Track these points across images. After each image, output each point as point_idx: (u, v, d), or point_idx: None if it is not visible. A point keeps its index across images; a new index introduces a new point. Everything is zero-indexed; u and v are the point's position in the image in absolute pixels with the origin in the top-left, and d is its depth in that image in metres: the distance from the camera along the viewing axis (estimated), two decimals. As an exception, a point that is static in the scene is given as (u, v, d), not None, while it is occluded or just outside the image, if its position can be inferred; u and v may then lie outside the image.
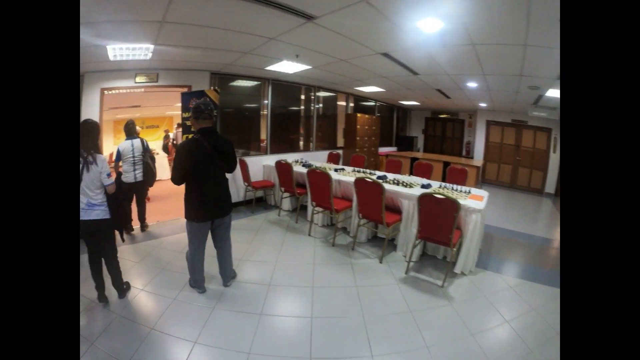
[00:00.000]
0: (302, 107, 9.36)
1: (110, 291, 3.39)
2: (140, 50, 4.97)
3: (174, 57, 5.58)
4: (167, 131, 13.65)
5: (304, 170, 5.99)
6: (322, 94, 9.74)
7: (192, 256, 3.41)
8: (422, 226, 3.90)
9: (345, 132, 10.46)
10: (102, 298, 3.26)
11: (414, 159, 9.91)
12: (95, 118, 5.01)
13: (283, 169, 6.24)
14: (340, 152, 9.84)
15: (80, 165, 2.81)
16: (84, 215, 2.91)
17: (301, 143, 9.58)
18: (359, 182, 4.62)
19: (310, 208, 5.68)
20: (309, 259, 4.54)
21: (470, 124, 13.13)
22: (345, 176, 5.77)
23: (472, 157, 12.03)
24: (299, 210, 6.30)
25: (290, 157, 7.50)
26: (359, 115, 10.14)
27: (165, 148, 12.78)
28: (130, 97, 9.27)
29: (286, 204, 6.79)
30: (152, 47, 4.81)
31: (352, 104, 10.91)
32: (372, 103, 12.29)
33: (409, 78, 7.28)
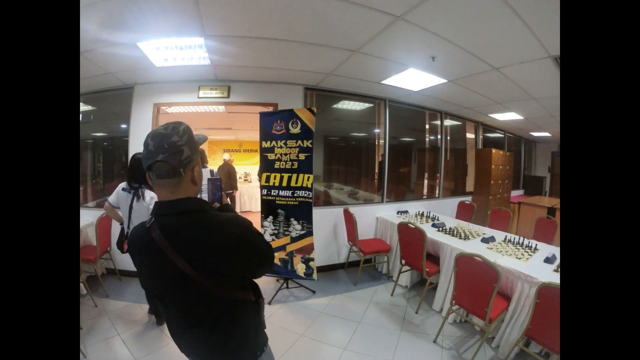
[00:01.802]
0: (427, 139, 7.07)
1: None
2: (191, 51, 3.36)
3: (246, 61, 3.82)
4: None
5: (440, 237, 4.00)
6: (448, 122, 7.29)
7: None
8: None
9: (477, 172, 7.80)
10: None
11: (552, 211, 7.14)
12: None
13: (410, 236, 3.92)
14: (469, 199, 7.33)
15: (132, 195, 2.95)
16: None
17: (424, 186, 7.11)
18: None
19: (441, 295, 3.75)
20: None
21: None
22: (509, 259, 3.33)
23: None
24: (425, 291, 3.82)
25: (411, 207, 5.70)
26: (493, 151, 7.50)
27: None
28: (219, 117, 7.61)
29: (404, 277, 4.44)
30: (202, 41, 3.13)
31: (481, 136, 8.21)
32: (499, 135, 9.47)
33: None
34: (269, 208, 4.01)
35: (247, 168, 12.16)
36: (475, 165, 7.89)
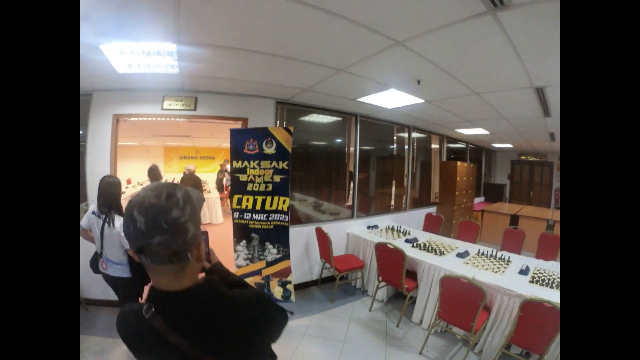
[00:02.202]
0: (394, 153, 7.01)
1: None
2: (158, 58, 2.91)
3: (219, 72, 3.45)
4: (223, 165, 11.65)
5: (416, 254, 4.05)
6: (414, 134, 7.14)
7: None
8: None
9: (442, 184, 7.88)
10: None
11: (514, 217, 7.62)
12: (104, 154, 3.83)
13: (389, 256, 3.89)
14: (434, 209, 7.36)
15: (102, 220, 2.74)
16: (105, 268, 2.81)
17: (392, 198, 7.05)
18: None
19: (419, 308, 3.87)
20: None
21: (559, 167, 10.47)
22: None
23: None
24: (405, 306, 3.85)
25: (380, 222, 5.67)
26: (458, 163, 7.63)
27: (220, 184, 10.74)
28: (178, 125, 7.20)
29: (380, 291, 4.40)
30: (174, 48, 2.73)
31: (445, 148, 8.31)
32: (462, 145, 9.51)
33: (537, 121, 5.29)
34: (241, 232, 3.73)
35: (205, 176, 11.66)
36: (440, 177, 7.99)
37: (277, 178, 3.62)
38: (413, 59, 2.77)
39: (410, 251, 4.08)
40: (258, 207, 3.65)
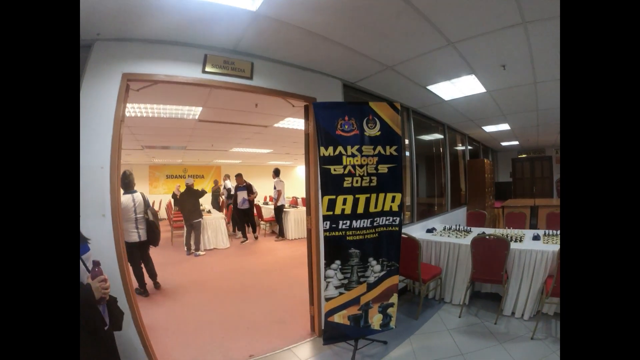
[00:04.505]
0: (434, 153, 6.39)
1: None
2: None
3: (283, 34, 2.49)
4: (217, 182, 10.32)
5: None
6: (440, 136, 6.58)
7: None
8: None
9: (470, 183, 7.28)
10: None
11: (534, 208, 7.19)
12: (102, 136, 2.28)
13: (488, 250, 3.46)
14: (465, 209, 6.77)
15: None
16: None
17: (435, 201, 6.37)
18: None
19: (511, 300, 3.53)
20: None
21: (558, 160, 10.67)
22: None
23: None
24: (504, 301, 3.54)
25: (432, 224, 5.06)
26: (485, 161, 6.97)
27: (216, 202, 9.40)
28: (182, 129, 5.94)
29: (458, 295, 3.94)
30: None
31: (467, 147, 7.75)
32: (475, 145, 9.00)
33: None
34: (334, 249, 2.60)
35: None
36: (469, 176, 7.43)
37: (383, 168, 2.61)
38: (516, 40, 2.69)
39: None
40: (360, 209, 2.58)
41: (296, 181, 13.62)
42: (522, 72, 3.54)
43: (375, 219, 2.62)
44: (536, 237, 3.75)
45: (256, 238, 8.09)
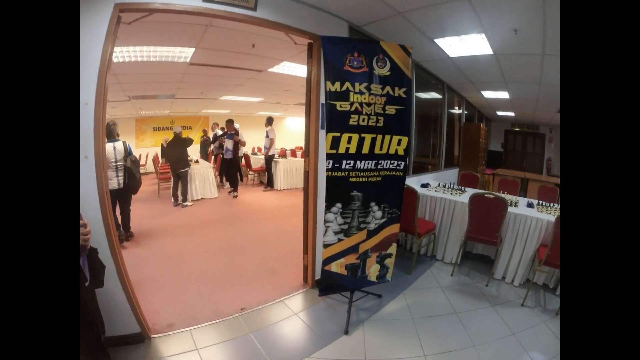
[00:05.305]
0: (433, 112, 6.29)
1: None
2: None
3: None
4: (205, 132, 10.00)
5: None
6: (438, 95, 6.36)
7: None
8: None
9: (465, 145, 7.18)
10: None
11: (524, 180, 7.20)
12: (89, 68, 1.98)
13: (486, 209, 3.39)
14: (457, 170, 6.74)
15: None
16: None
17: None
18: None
19: (502, 264, 3.50)
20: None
21: (551, 139, 10.80)
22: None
23: (555, 176, 9.61)
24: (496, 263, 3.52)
25: (426, 180, 4.91)
26: (481, 125, 6.89)
27: (205, 152, 9.12)
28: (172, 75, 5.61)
29: (450, 253, 3.94)
30: None
31: (464, 111, 7.59)
32: (471, 110, 8.84)
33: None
34: (336, 190, 2.44)
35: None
36: (464, 138, 7.37)
37: (390, 109, 2.44)
38: (534, 6, 2.60)
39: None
40: (365, 150, 2.41)
41: (285, 133, 13.29)
42: (533, 41, 3.41)
43: (380, 162, 2.47)
44: (530, 205, 3.69)
45: (235, 197, 7.24)
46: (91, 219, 1.80)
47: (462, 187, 4.52)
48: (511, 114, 9.37)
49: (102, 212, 2.05)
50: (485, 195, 3.40)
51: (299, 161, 8.41)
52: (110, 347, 1.96)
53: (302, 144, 11.87)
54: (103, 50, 1.97)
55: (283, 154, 8.85)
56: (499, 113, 9.62)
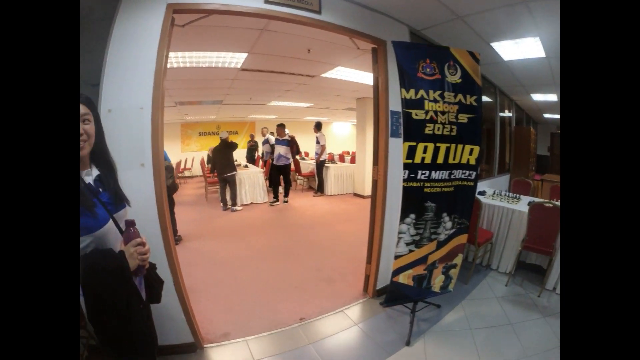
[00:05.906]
0: (484, 116, 6.06)
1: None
2: None
3: None
4: (252, 136, 10.19)
5: None
6: (488, 99, 6.32)
7: None
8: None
9: (516, 151, 7.01)
10: None
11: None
12: (145, 70, 1.96)
13: (545, 218, 3.27)
14: (508, 177, 6.61)
15: None
16: None
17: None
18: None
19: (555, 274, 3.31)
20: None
21: None
22: None
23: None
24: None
25: (486, 187, 4.82)
26: (532, 130, 6.72)
27: (251, 157, 9.29)
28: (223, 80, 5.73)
29: (504, 263, 3.81)
30: None
31: (514, 114, 7.39)
32: (520, 114, 8.58)
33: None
34: (412, 201, 2.40)
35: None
36: (515, 143, 7.16)
37: (463, 118, 2.39)
38: None
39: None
40: (440, 159, 2.37)
41: (331, 138, 13.27)
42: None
43: (453, 172, 2.42)
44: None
45: (286, 202, 7.29)
46: (150, 232, 1.76)
47: (517, 195, 4.38)
48: (558, 117, 8.92)
49: (160, 224, 1.99)
50: (545, 204, 3.28)
51: (350, 167, 8.45)
52: (159, 357, 1.74)
53: (348, 148, 11.90)
54: (158, 53, 1.94)
55: (331, 159, 8.92)
56: (546, 116, 9.23)
